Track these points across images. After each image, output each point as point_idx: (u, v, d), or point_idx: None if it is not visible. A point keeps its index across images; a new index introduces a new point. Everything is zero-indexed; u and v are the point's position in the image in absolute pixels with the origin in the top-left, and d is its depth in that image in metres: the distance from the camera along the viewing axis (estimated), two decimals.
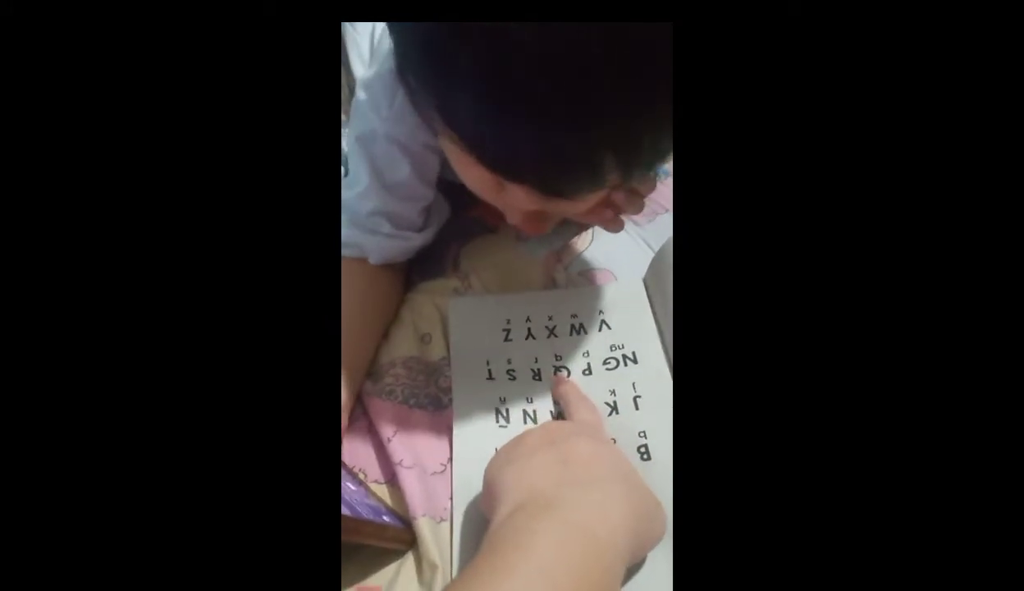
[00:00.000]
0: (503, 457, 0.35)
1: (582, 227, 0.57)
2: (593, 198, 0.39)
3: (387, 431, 0.43)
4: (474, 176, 0.38)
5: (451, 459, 0.43)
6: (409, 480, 0.40)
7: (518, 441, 0.36)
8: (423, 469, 0.42)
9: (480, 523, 0.39)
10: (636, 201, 0.44)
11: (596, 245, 0.56)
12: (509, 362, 0.47)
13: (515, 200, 0.38)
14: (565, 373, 0.46)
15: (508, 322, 0.50)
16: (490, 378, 0.46)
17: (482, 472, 0.40)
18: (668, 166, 0.61)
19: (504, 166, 0.33)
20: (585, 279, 0.54)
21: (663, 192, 0.60)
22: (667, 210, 0.58)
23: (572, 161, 0.32)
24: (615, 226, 0.46)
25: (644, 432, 0.42)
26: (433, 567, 0.37)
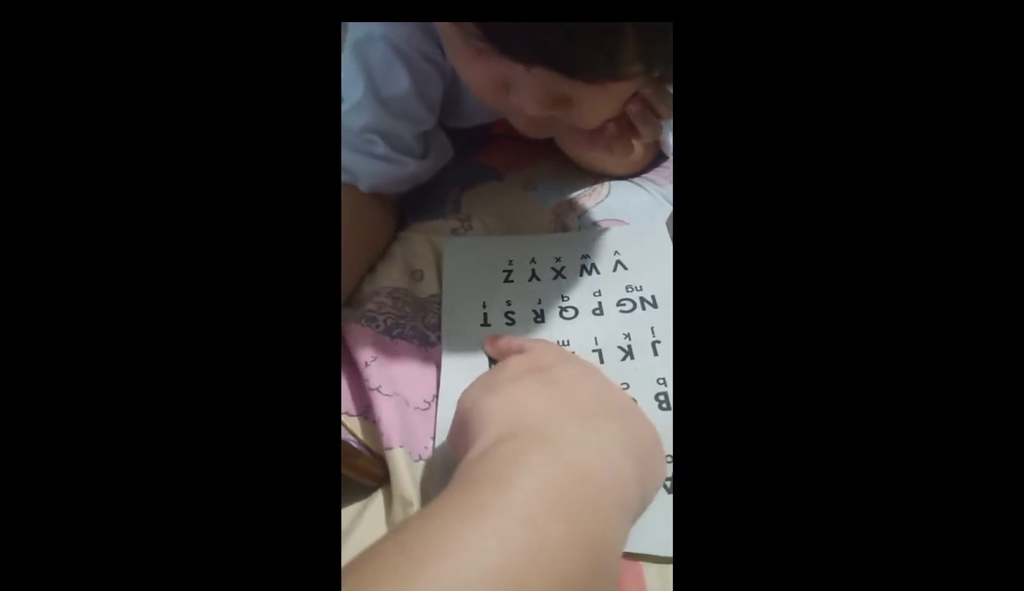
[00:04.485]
0: (481, 385, 0.28)
1: (595, 177, 0.52)
2: (608, 101, 0.34)
3: (365, 356, 0.37)
4: (479, 74, 0.33)
5: (436, 397, 0.36)
6: (387, 408, 0.34)
7: (499, 368, 0.30)
8: (403, 401, 0.35)
9: None
10: (651, 120, 0.39)
11: (613, 197, 0.51)
12: (508, 304, 0.41)
13: (522, 100, 0.33)
14: (572, 312, 0.41)
15: (510, 262, 0.44)
16: (485, 324, 0.40)
17: None
18: None
19: (513, 41, 0.28)
20: (601, 228, 0.48)
21: None
22: None
23: (584, 30, 0.27)
24: (626, 150, 0.41)
25: (663, 379, 0.36)
26: (407, 505, 0.30)
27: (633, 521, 0.24)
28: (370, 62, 0.42)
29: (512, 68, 0.30)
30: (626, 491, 0.23)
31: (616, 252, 0.44)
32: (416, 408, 0.36)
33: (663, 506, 0.29)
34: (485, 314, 0.41)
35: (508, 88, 0.33)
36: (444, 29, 0.33)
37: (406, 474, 0.31)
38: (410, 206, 0.50)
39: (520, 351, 0.33)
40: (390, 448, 0.32)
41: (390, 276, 0.43)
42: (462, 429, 0.27)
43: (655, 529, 0.27)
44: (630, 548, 0.29)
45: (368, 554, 0.19)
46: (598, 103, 0.34)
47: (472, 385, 0.29)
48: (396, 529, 0.21)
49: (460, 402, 0.28)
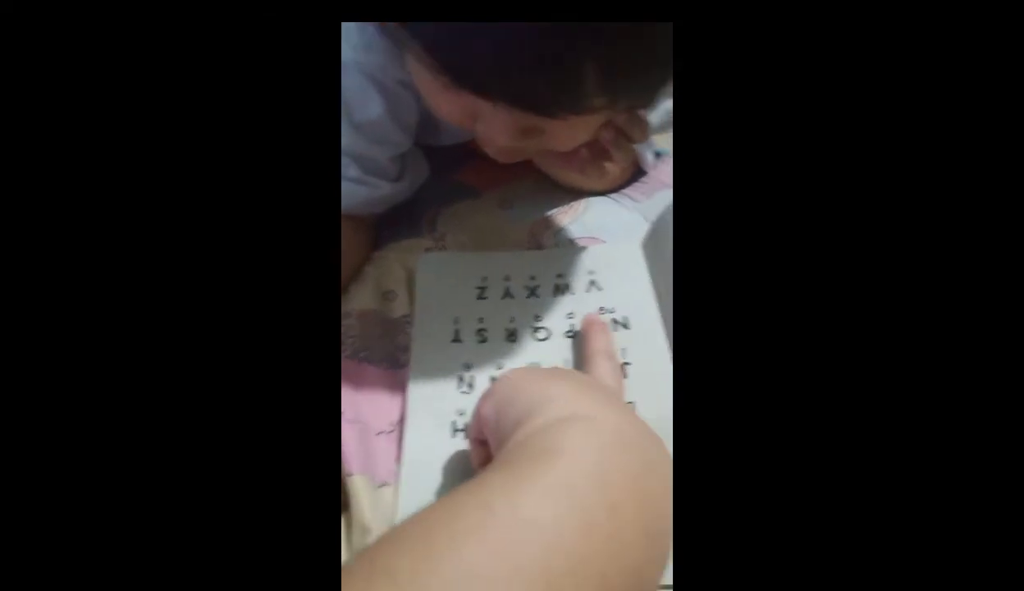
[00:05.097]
0: (532, 371, 0.28)
1: (573, 194, 0.52)
2: (578, 130, 0.34)
3: None
4: (446, 104, 0.33)
5: (402, 420, 0.36)
6: (348, 435, 0.34)
7: (528, 370, 0.30)
8: (365, 426, 0.35)
9: (435, 492, 0.32)
10: (624, 145, 0.39)
11: (589, 214, 0.50)
12: (480, 321, 0.41)
13: (491, 131, 0.33)
14: (545, 334, 0.40)
15: (484, 279, 0.44)
16: (456, 340, 0.40)
17: (439, 438, 0.35)
18: (668, 146, 0.56)
19: (469, 75, 0.28)
20: (576, 247, 0.48)
21: (663, 170, 0.55)
22: (666, 187, 0.53)
23: (545, 66, 0.27)
24: (598, 173, 0.40)
25: (633, 403, 0.36)
26: (365, 531, 0.30)
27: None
28: (343, 90, 0.42)
29: (477, 102, 0.30)
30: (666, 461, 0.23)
31: (590, 271, 0.44)
32: (380, 432, 0.35)
33: None
34: (457, 330, 0.41)
35: (476, 119, 0.33)
36: (411, 64, 0.33)
37: (365, 501, 0.31)
38: (386, 226, 0.50)
39: (607, 353, 0.35)
40: (350, 475, 0.32)
41: (361, 298, 0.43)
42: (508, 405, 0.26)
43: None
44: None
45: (442, 507, 0.19)
46: (568, 133, 0.34)
47: (523, 370, 0.29)
48: (478, 479, 0.21)
49: (507, 379, 0.28)
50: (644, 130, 0.39)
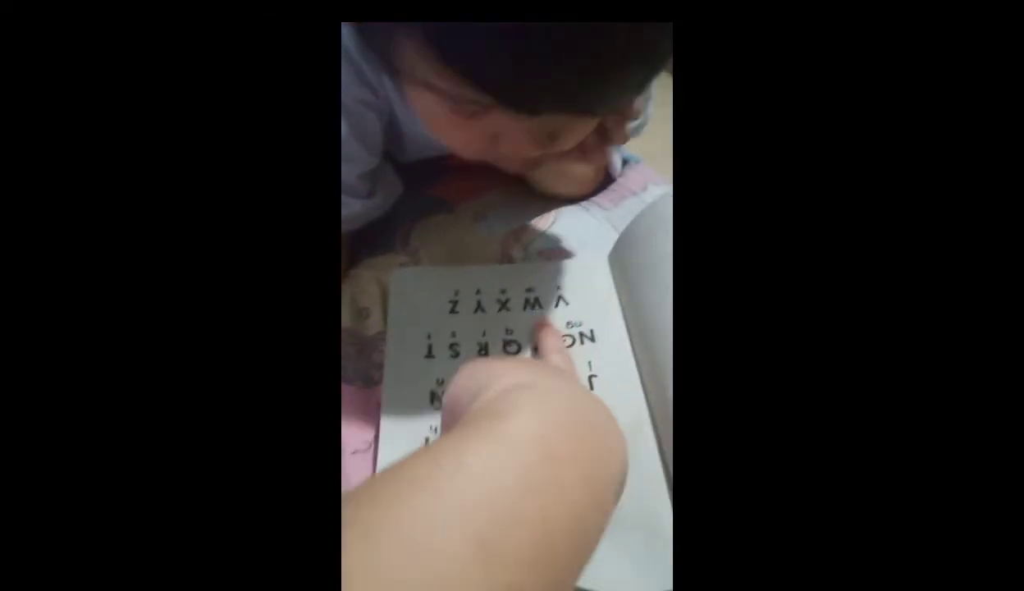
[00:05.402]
0: (467, 371, 0.29)
1: (544, 204, 0.53)
2: (588, 129, 0.36)
3: None
4: (465, 134, 0.34)
5: (377, 438, 0.37)
6: None
7: (483, 358, 0.31)
8: (340, 446, 0.36)
9: None
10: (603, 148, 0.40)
11: (559, 225, 0.52)
12: (453, 336, 0.42)
13: (516, 146, 0.34)
14: (515, 347, 0.41)
15: (456, 293, 0.45)
16: (429, 356, 0.41)
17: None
18: (636, 153, 0.57)
19: (524, 95, 0.29)
20: (545, 258, 0.49)
21: (631, 177, 0.56)
22: (634, 194, 0.54)
23: (593, 65, 0.28)
24: (601, 160, 0.42)
25: None
26: None
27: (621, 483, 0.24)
28: None
29: (504, 120, 0.31)
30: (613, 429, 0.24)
31: (558, 287, 0.45)
32: (355, 451, 0.36)
33: (616, 544, 0.30)
34: (430, 345, 0.42)
35: (497, 139, 0.34)
36: (420, 98, 0.33)
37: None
38: (361, 243, 0.51)
39: (557, 348, 0.38)
40: None
41: None
42: (463, 390, 0.27)
43: (607, 567, 0.28)
44: (583, 584, 0.29)
45: (399, 465, 0.20)
46: (583, 132, 0.35)
47: (476, 358, 0.30)
48: (433, 443, 0.22)
49: (465, 365, 0.29)
50: (626, 132, 0.40)
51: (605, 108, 0.31)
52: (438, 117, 0.33)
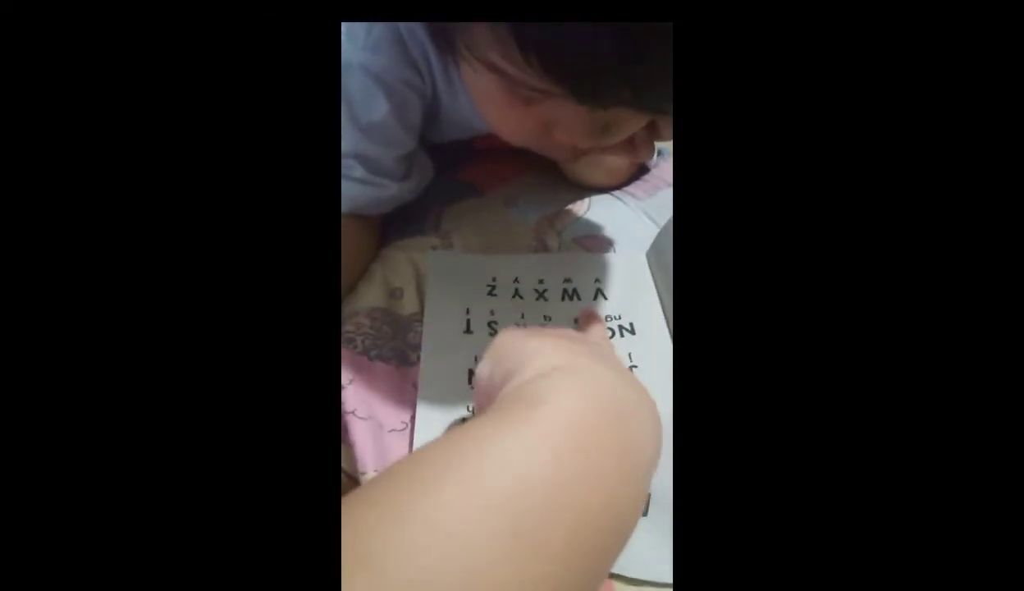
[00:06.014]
0: (525, 331, 0.28)
1: (576, 192, 0.52)
2: (635, 127, 0.35)
3: (342, 378, 0.37)
4: (520, 121, 0.34)
5: (414, 417, 0.37)
6: (360, 432, 0.34)
7: (517, 330, 0.30)
8: (379, 424, 0.35)
9: None
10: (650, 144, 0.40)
11: (593, 212, 0.51)
12: (492, 314, 0.41)
13: (572, 137, 0.34)
14: None
15: (494, 279, 0.44)
16: (468, 331, 0.40)
17: None
18: (668, 145, 0.57)
19: (605, 93, 0.29)
20: (579, 246, 0.49)
21: (664, 168, 0.56)
22: (668, 185, 0.54)
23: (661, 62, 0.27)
24: (649, 152, 0.41)
25: None
26: None
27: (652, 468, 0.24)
28: (348, 89, 0.42)
29: (562, 109, 0.31)
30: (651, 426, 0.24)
31: (596, 280, 0.44)
32: (392, 430, 0.36)
33: (651, 530, 0.29)
34: (468, 320, 0.41)
35: (551, 127, 0.34)
36: (478, 79, 0.32)
37: None
38: (391, 224, 0.50)
39: (600, 333, 0.36)
40: (364, 473, 0.32)
41: (369, 296, 0.43)
42: (496, 369, 0.27)
43: (631, 550, 0.28)
44: (617, 570, 0.29)
45: (435, 448, 0.19)
46: (636, 123, 0.35)
47: (514, 330, 0.29)
48: (445, 434, 0.21)
49: (499, 339, 0.28)
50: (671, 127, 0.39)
51: (669, 106, 0.31)
52: (493, 100, 0.33)
